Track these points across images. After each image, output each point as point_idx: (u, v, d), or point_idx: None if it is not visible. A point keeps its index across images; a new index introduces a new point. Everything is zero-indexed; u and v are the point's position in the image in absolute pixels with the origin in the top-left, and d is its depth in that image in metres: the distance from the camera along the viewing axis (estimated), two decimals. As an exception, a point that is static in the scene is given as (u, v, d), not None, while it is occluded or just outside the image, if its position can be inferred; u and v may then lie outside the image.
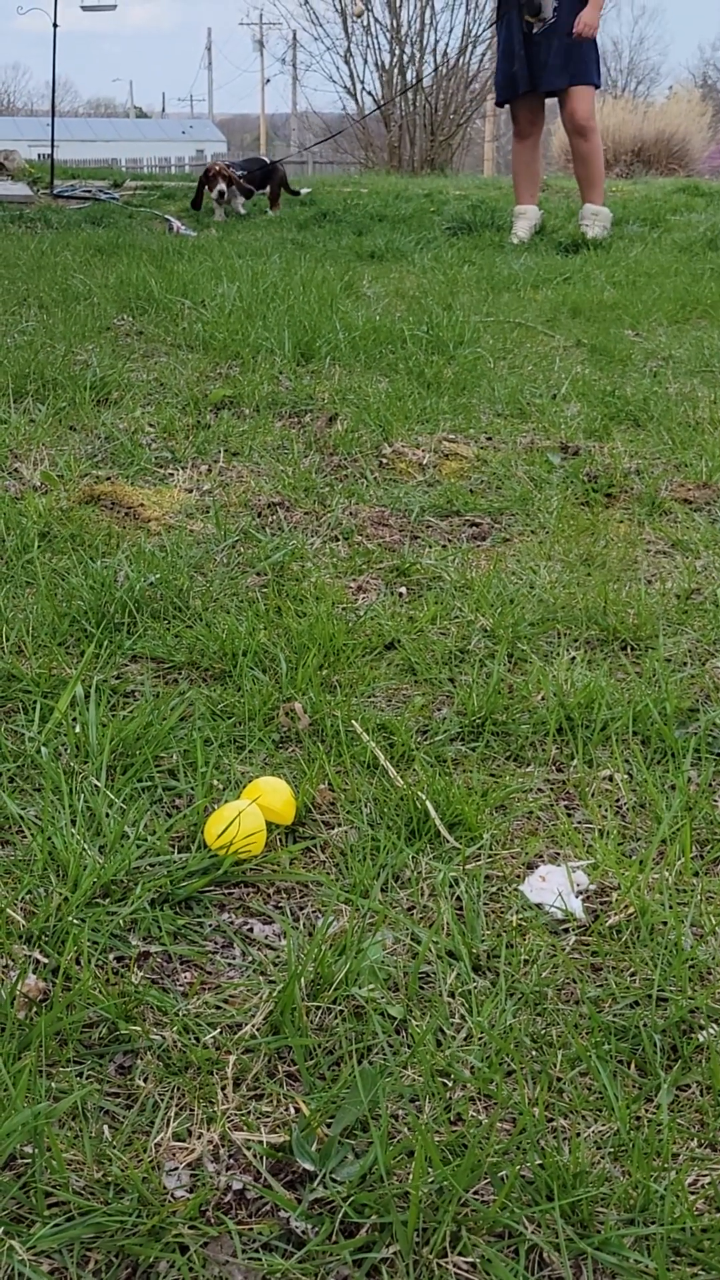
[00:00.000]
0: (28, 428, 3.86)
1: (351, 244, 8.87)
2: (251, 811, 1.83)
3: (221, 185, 11.13)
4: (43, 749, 2.03)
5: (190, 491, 3.45)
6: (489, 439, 4.05)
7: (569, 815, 2.00)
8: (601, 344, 5.45)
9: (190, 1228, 1.25)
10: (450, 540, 3.21)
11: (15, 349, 4.73)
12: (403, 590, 2.84)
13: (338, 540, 3.14)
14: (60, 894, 1.70)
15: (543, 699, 2.31)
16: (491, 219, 10.52)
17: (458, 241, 9.39)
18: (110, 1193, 1.28)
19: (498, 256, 8.38)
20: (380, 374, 4.80)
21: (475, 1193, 1.30)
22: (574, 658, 2.51)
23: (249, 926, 1.71)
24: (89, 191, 13.03)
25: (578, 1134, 1.36)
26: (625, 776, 2.09)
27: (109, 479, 3.46)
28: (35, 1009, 1.51)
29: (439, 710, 2.30)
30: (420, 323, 5.52)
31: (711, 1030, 1.52)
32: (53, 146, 13.37)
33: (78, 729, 2.09)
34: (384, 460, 3.76)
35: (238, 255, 7.88)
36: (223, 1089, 1.42)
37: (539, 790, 2.06)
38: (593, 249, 8.66)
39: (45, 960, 1.59)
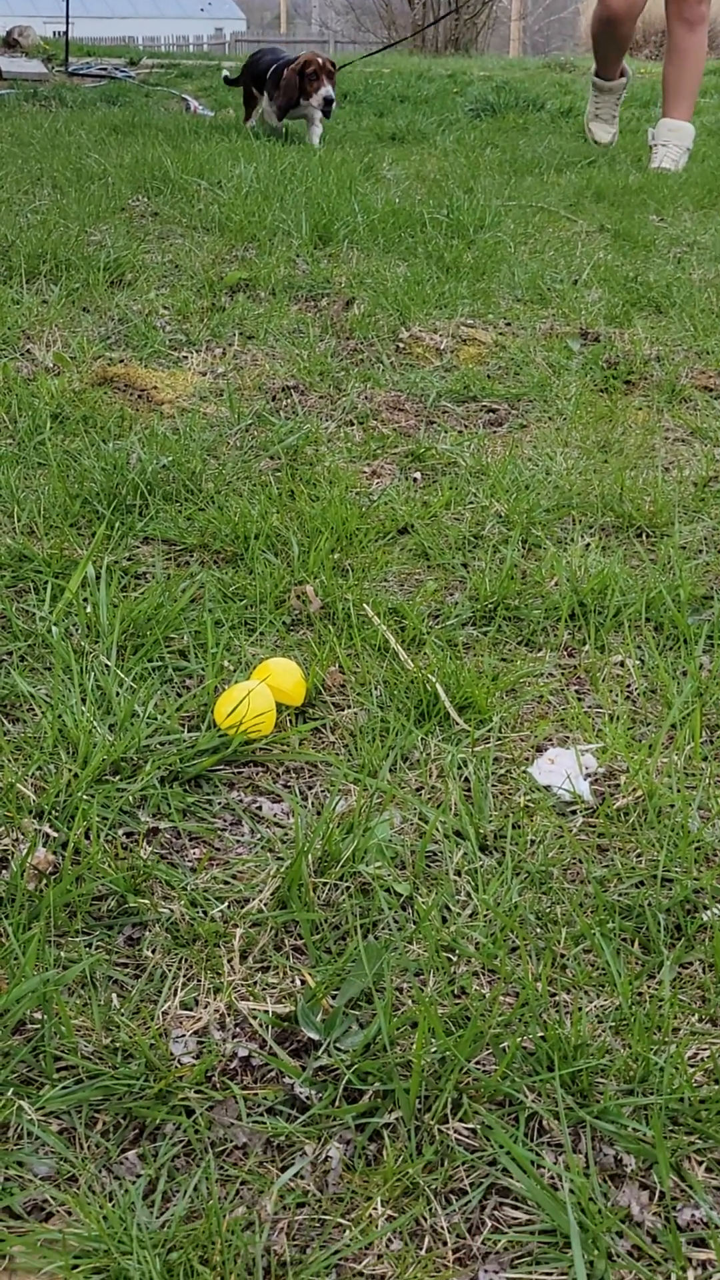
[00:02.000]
0: (40, 309, 3.81)
1: (372, 125, 8.67)
2: (261, 692, 1.83)
3: (327, 89, 7.50)
4: (53, 628, 2.03)
5: (204, 375, 3.41)
6: (508, 324, 3.98)
7: (579, 699, 1.99)
8: (625, 229, 5.33)
9: (196, 1092, 1.28)
10: (466, 426, 3.17)
11: (29, 229, 4.64)
12: (417, 475, 2.82)
13: (352, 425, 3.10)
14: (70, 770, 1.71)
15: (556, 585, 2.30)
16: (516, 100, 10.26)
17: (480, 124, 9.16)
18: (118, 1058, 1.30)
19: (521, 139, 8.18)
20: (399, 258, 4.71)
21: (477, 1063, 1.32)
22: (588, 544, 2.49)
23: (258, 804, 1.72)
24: (105, 69, 12.73)
25: (580, 1008, 1.38)
26: (637, 662, 2.08)
27: (122, 361, 3.42)
28: (45, 881, 1.53)
29: (451, 595, 2.29)
30: (440, 206, 5.40)
31: (715, 910, 1.53)
32: (67, 23, 13.04)
33: (88, 609, 2.09)
34: (401, 345, 3.71)
35: (255, 136, 7.70)
36: (229, 961, 1.44)
37: (550, 675, 2.06)
38: (620, 132, 8.41)
39: (55, 834, 1.61)
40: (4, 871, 1.54)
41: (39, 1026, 1.33)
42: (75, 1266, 1.09)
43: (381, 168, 6.60)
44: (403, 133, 8.25)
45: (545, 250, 4.96)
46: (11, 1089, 1.26)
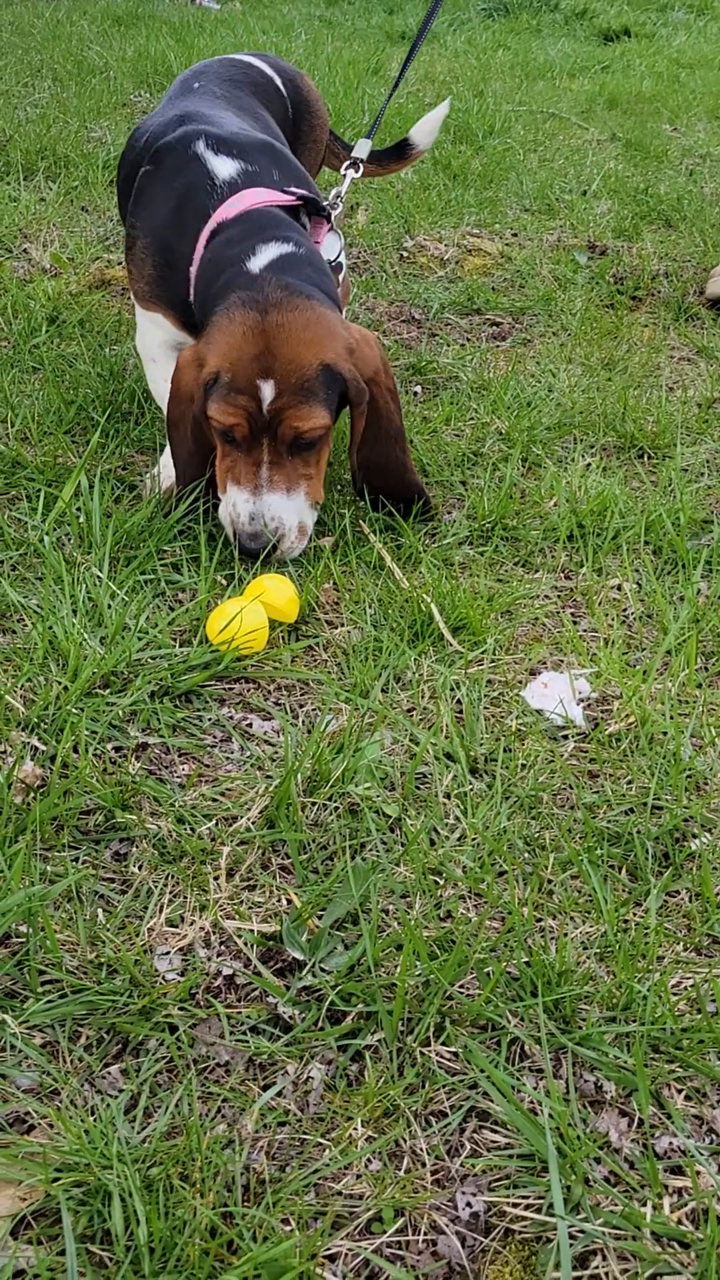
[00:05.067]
0: (38, 207, 3.73)
1: (382, 23, 8.44)
2: (254, 608, 1.82)
3: None
4: (45, 538, 2.00)
5: (203, 280, 3.34)
6: (514, 235, 3.90)
7: (575, 623, 1.98)
8: (637, 138, 5.22)
9: (180, 1009, 1.28)
10: (469, 339, 3.12)
11: (27, 123, 4.54)
12: (418, 389, 2.77)
13: (353, 336, 3.05)
14: (60, 683, 1.69)
15: (555, 505, 2.27)
16: (530, 0, 9.98)
17: (493, 24, 8.93)
18: (102, 973, 1.30)
19: (534, 41, 7.98)
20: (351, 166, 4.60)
21: (461, 987, 1.32)
22: (589, 464, 2.45)
23: (248, 722, 1.71)
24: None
25: (565, 934, 1.38)
26: (634, 586, 2.06)
27: (120, 263, 3.35)
28: (32, 795, 1.52)
29: (449, 513, 2.26)
30: (449, 110, 5.28)
31: (704, 839, 1.53)
32: None
33: (81, 519, 2.06)
34: (405, 254, 3.64)
35: (262, 31, 7.50)
36: (216, 879, 1.44)
37: (546, 597, 2.04)
38: (635, 37, 8.21)
39: (43, 747, 1.60)
40: (-9, 784, 1.54)
41: (24, 940, 1.33)
42: (55, 1179, 1.10)
43: (390, 68, 6.43)
44: (412, 31, 8.04)
45: (555, 159, 4.86)
46: (-5, 1002, 1.26)
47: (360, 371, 1.98)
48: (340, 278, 2.25)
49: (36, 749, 1.59)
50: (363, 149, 2.35)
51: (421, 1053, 1.25)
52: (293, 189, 2.12)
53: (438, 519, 2.17)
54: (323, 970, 1.33)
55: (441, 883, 1.45)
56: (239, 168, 2.13)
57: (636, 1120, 1.20)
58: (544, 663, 1.87)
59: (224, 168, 2.13)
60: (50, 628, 1.78)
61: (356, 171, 2.30)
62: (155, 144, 2.22)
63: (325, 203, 2.18)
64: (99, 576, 1.91)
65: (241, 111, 2.42)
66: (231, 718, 1.71)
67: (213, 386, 1.94)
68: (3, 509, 2.12)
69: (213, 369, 1.93)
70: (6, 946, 1.33)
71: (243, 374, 1.91)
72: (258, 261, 1.98)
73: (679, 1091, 1.23)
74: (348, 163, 2.38)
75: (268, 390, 1.91)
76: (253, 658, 1.82)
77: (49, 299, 3.01)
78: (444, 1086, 1.22)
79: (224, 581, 1.97)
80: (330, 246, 2.15)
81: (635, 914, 1.43)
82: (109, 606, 1.86)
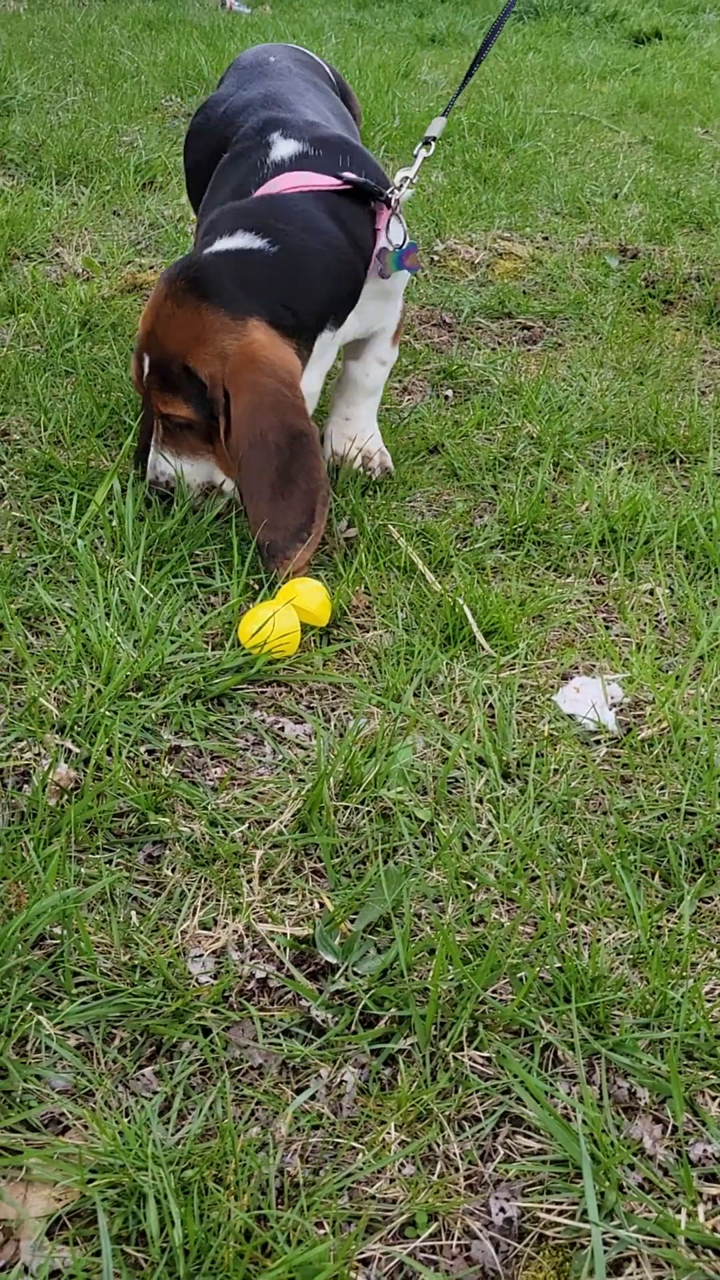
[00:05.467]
0: (70, 211, 3.75)
1: (412, 26, 8.45)
2: (286, 612, 1.82)
3: None
4: (78, 541, 2.01)
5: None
6: (545, 239, 3.90)
7: (607, 628, 1.97)
8: (668, 141, 5.20)
9: (213, 1011, 1.28)
10: (500, 343, 3.11)
11: (59, 128, 4.56)
12: (449, 393, 2.77)
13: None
14: (93, 686, 1.70)
15: (587, 509, 2.27)
16: (560, 3, 9.97)
17: (524, 27, 8.92)
18: (136, 975, 1.31)
19: (565, 44, 7.97)
20: (435, 166, 4.61)
21: (494, 991, 1.32)
22: (621, 468, 2.45)
23: (280, 725, 1.71)
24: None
25: (598, 940, 1.38)
26: (666, 591, 2.06)
27: (152, 267, 3.37)
28: (66, 797, 1.53)
29: (480, 517, 2.26)
30: (480, 113, 5.28)
31: (738, 845, 1.52)
32: None
33: (114, 522, 2.07)
34: (436, 257, 3.64)
35: (292, 35, 7.52)
36: (249, 882, 1.44)
37: (578, 601, 2.04)
38: (666, 40, 8.19)
39: (77, 750, 1.60)
40: (25, 787, 1.55)
41: (59, 942, 1.34)
42: (90, 1180, 1.10)
43: (420, 71, 6.44)
44: (443, 35, 8.05)
45: (586, 162, 4.85)
46: (31, 1003, 1.27)
47: (226, 382, 1.94)
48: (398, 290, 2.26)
49: (70, 752, 1.60)
50: (436, 127, 2.33)
51: (454, 1057, 1.25)
52: (348, 174, 2.10)
53: (270, 576, 1.99)
54: (355, 974, 1.33)
55: (474, 887, 1.45)
56: (296, 152, 2.15)
57: (670, 1127, 1.19)
58: (576, 667, 1.87)
59: (281, 151, 2.15)
60: (84, 631, 1.79)
61: (428, 150, 2.28)
62: (236, 125, 2.27)
63: (388, 189, 2.14)
64: (132, 580, 1.92)
65: (321, 96, 2.46)
66: (264, 721, 1.72)
67: None
68: (36, 512, 2.14)
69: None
70: (41, 948, 1.34)
71: (139, 339, 2.03)
72: (218, 245, 2.02)
73: (713, 1098, 1.23)
74: (420, 142, 2.35)
75: (146, 364, 2.01)
76: (285, 661, 1.82)
77: (81, 303, 3.03)
78: (477, 1091, 1.22)
79: (256, 585, 1.97)
80: (395, 233, 2.14)
81: (668, 920, 1.42)
82: (142, 610, 1.87)
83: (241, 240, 2.00)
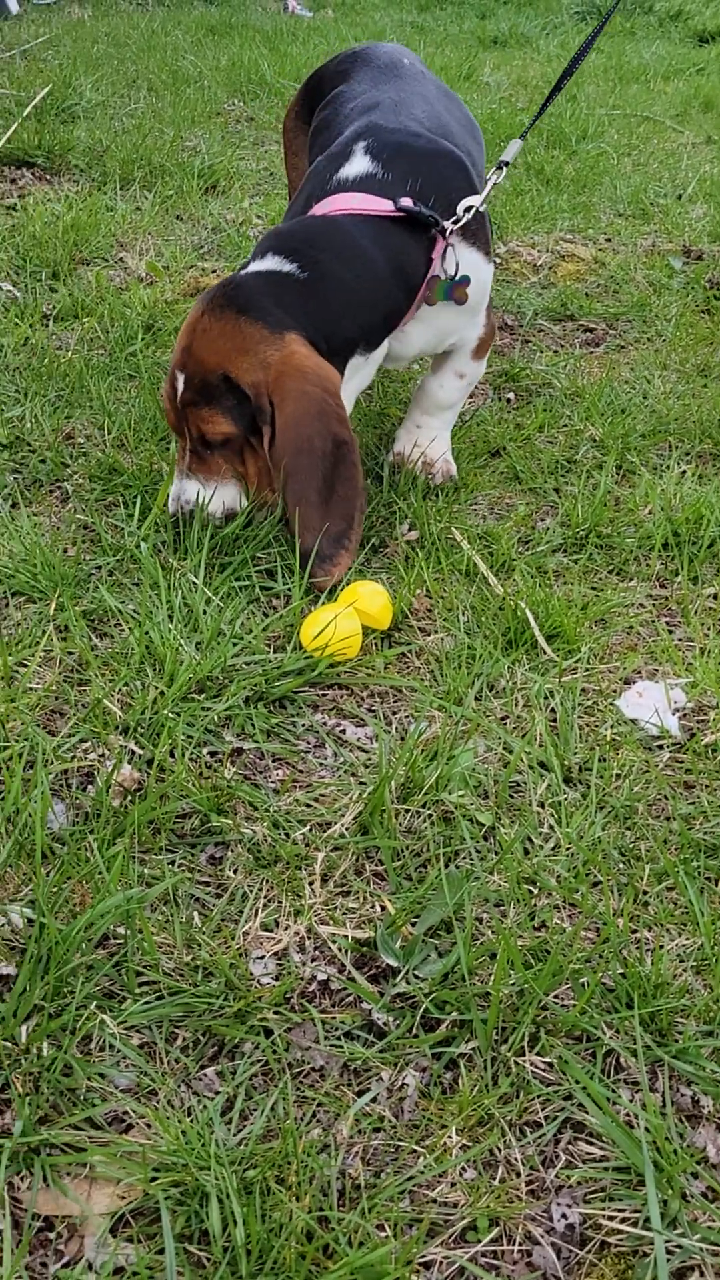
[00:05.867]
0: (134, 216, 3.78)
1: (474, 28, 8.44)
2: (348, 615, 1.82)
3: None
4: (142, 544, 2.03)
5: (297, 287, 3.36)
6: (608, 240, 3.88)
7: (670, 632, 1.96)
8: (733, 141, 5.16)
9: (275, 1013, 1.29)
10: (563, 345, 3.10)
11: (123, 133, 4.60)
12: (511, 396, 2.77)
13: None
14: (156, 688, 1.71)
15: (650, 513, 2.25)
16: (624, 2, 9.92)
17: (586, 28, 8.89)
18: (199, 976, 1.32)
19: (628, 44, 7.92)
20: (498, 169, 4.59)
21: (555, 997, 1.31)
22: (684, 471, 2.43)
23: (341, 728, 1.71)
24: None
25: (661, 947, 1.37)
26: (731, 595, 2.04)
27: (215, 271, 3.39)
28: (130, 798, 1.54)
29: (542, 520, 2.25)
30: (542, 115, 5.26)
31: None
32: None
33: (177, 525, 2.08)
34: (498, 260, 3.63)
35: (354, 38, 7.53)
36: (310, 884, 1.45)
37: (640, 605, 2.03)
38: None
39: (140, 751, 1.62)
40: (90, 787, 1.56)
41: (122, 941, 1.35)
42: (154, 1179, 1.11)
43: (482, 73, 6.43)
44: (505, 36, 8.04)
45: (649, 163, 4.82)
46: (95, 1002, 1.28)
47: (271, 391, 1.94)
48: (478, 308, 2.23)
49: (134, 753, 1.62)
50: (511, 151, 2.29)
51: (516, 1062, 1.24)
52: (405, 200, 2.09)
53: (314, 593, 1.99)
54: (416, 977, 1.33)
55: (535, 892, 1.45)
56: (364, 172, 2.12)
57: (734, 1136, 1.19)
58: (639, 672, 1.86)
59: (351, 169, 2.13)
60: (147, 633, 1.81)
61: (500, 174, 2.23)
62: (348, 125, 2.27)
63: (448, 219, 2.10)
64: (194, 582, 1.93)
65: (448, 104, 2.44)
66: (325, 724, 1.72)
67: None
68: (100, 515, 2.15)
69: None
70: (105, 948, 1.35)
71: (174, 360, 2.01)
72: (251, 267, 2.03)
73: (777, 1108, 1.22)
74: (494, 166, 2.31)
75: (180, 383, 1.99)
76: (346, 664, 1.83)
77: (145, 307, 3.05)
78: (538, 1097, 1.22)
79: (318, 589, 1.98)
80: (450, 263, 2.11)
81: (732, 927, 1.41)
82: (204, 612, 1.88)
83: (273, 263, 2.02)
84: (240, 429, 1.98)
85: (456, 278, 2.11)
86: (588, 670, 1.85)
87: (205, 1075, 1.23)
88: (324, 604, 1.90)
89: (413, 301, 2.11)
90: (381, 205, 2.06)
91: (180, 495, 2.06)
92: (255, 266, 2.03)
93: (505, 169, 2.22)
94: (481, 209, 2.14)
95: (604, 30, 8.48)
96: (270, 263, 2.02)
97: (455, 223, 2.09)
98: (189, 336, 1.98)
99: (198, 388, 1.97)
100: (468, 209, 2.10)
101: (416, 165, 2.12)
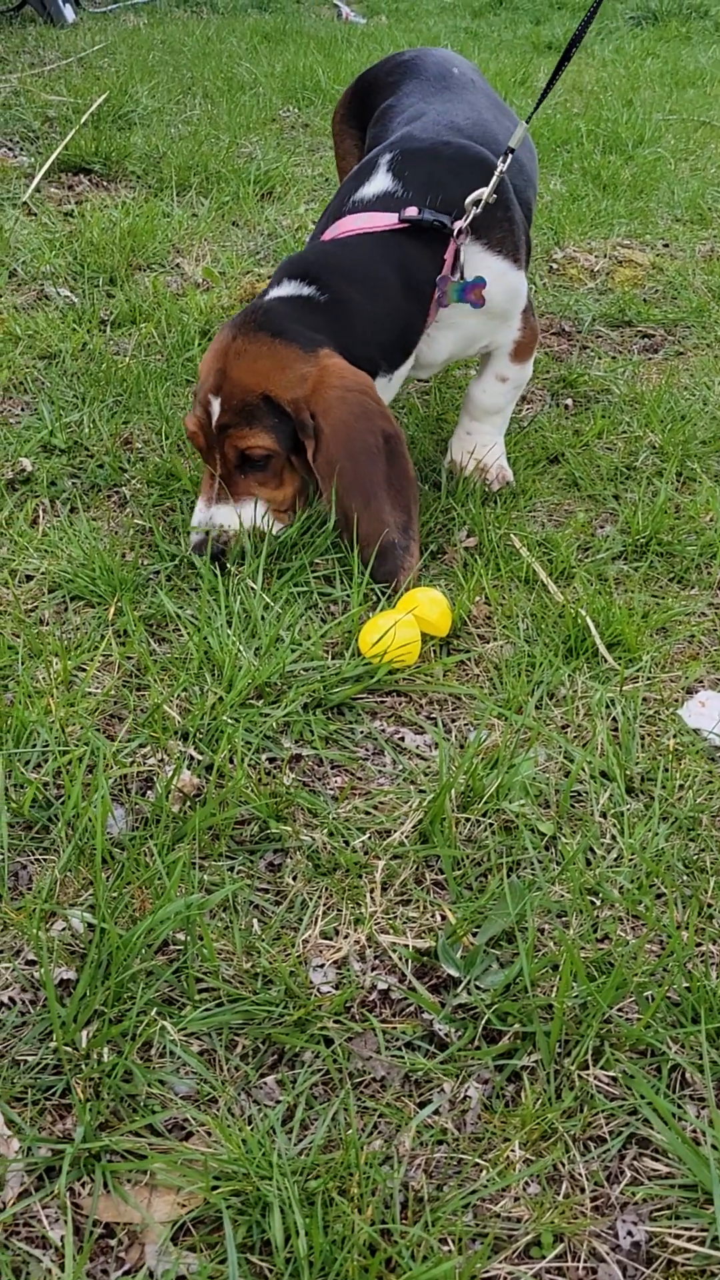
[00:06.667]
0: (190, 222, 3.79)
1: (528, 34, 8.41)
2: (407, 622, 1.81)
3: None
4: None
5: (353, 293, 3.36)
6: (666, 246, 3.85)
7: (732, 641, 1.94)
8: None
9: (335, 1022, 1.28)
10: (621, 351, 3.08)
11: (179, 140, 4.62)
12: (569, 402, 2.75)
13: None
14: (215, 693, 1.71)
15: (711, 520, 2.23)
16: (679, 7, 9.85)
17: (641, 32, 8.84)
18: (259, 983, 1.31)
19: (684, 49, 7.88)
20: (554, 174, 4.58)
21: (619, 1010, 1.30)
22: (746, 479, 2.40)
23: (400, 735, 1.70)
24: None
25: (726, 960, 1.35)
26: None
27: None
28: (189, 804, 1.54)
29: (602, 528, 2.24)
30: (598, 120, 5.24)
31: None
32: None
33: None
34: (554, 265, 3.61)
35: (408, 45, 7.53)
36: (370, 892, 1.44)
37: (702, 614, 2.00)
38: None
39: (200, 757, 1.61)
40: (149, 793, 1.56)
41: (182, 948, 1.35)
42: (215, 1188, 1.10)
43: (537, 78, 6.41)
44: (560, 42, 8.00)
45: (707, 168, 4.78)
46: (155, 1008, 1.28)
47: (311, 404, 1.95)
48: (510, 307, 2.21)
49: (193, 758, 1.61)
50: (517, 135, 2.25)
51: (580, 1076, 1.23)
52: (408, 211, 2.06)
53: (396, 588, 1.99)
54: (478, 988, 1.32)
55: (598, 903, 1.43)
56: (384, 190, 2.12)
57: None
58: (701, 681, 1.84)
59: (372, 188, 2.14)
60: (205, 638, 1.81)
61: (506, 162, 2.20)
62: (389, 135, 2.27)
63: (453, 220, 2.08)
64: (253, 588, 1.93)
65: (496, 112, 2.44)
66: (384, 731, 1.71)
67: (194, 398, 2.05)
68: (158, 520, 2.16)
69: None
70: (165, 954, 1.35)
71: (202, 388, 2.01)
72: (273, 293, 2.06)
73: None
74: (500, 156, 2.27)
75: (215, 407, 1.98)
76: (405, 671, 1.82)
77: (201, 313, 3.06)
78: (603, 1111, 1.20)
79: (376, 594, 1.97)
80: (475, 266, 2.11)
81: None
82: (262, 618, 1.87)
83: (292, 288, 2.05)
84: (282, 447, 1.98)
85: (470, 280, 2.10)
86: (649, 679, 1.83)
87: (265, 1084, 1.22)
88: (383, 610, 1.90)
89: (427, 310, 2.11)
90: (388, 220, 2.07)
91: (210, 522, 2.03)
92: (276, 293, 2.06)
93: (510, 155, 2.18)
94: (492, 199, 2.10)
95: (660, 35, 8.44)
96: (290, 288, 2.05)
97: (465, 219, 2.07)
98: (220, 361, 1.99)
99: (236, 410, 1.96)
100: (475, 203, 2.08)
101: (438, 174, 2.13)
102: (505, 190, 2.14)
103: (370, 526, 1.96)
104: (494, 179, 2.08)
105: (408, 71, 2.60)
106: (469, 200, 2.09)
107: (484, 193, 2.08)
